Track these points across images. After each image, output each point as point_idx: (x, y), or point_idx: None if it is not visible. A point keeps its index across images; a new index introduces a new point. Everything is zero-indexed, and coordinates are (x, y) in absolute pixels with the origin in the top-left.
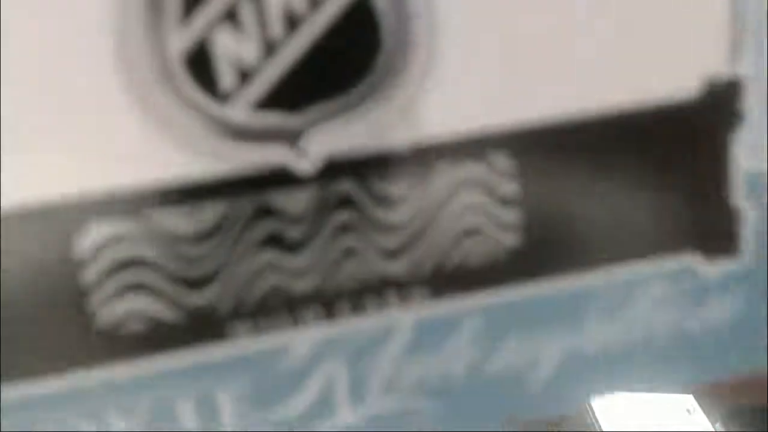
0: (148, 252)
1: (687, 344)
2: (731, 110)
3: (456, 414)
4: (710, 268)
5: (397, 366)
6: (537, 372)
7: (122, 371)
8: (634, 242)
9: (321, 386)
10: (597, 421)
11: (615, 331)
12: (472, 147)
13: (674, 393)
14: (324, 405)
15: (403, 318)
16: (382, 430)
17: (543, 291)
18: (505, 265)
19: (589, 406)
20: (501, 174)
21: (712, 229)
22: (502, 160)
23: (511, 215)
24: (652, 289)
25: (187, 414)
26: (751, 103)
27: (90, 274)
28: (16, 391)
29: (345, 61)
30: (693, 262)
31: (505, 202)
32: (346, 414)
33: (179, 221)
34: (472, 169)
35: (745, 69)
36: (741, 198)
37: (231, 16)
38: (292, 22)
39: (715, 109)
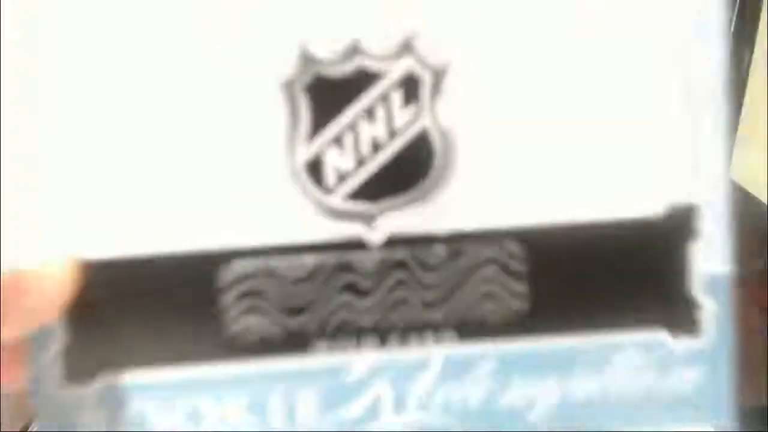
0: (265, 287)
1: (657, 402)
2: (691, 228)
3: None
4: (676, 344)
5: (429, 389)
6: (536, 409)
7: (238, 369)
8: (615, 316)
9: (373, 398)
10: None
11: (598, 385)
12: (491, 235)
13: None
14: (373, 412)
15: (436, 353)
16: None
17: (542, 346)
18: (514, 324)
19: None
20: (512, 256)
21: (677, 314)
22: (514, 246)
23: (520, 287)
24: (628, 354)
25: (274, 407)
26: (706, 221)
27: (226, 299)
28: (168, 373)
29: (408, 172)
30: (662, 337)
31: (515, 277)
32: (389, 421)
33: (287, 268)
34: (490, 251)
35: (702, 195)
36: (700, 292)
37: (337, 140)
38: (376, 146)
39: (678, 226)
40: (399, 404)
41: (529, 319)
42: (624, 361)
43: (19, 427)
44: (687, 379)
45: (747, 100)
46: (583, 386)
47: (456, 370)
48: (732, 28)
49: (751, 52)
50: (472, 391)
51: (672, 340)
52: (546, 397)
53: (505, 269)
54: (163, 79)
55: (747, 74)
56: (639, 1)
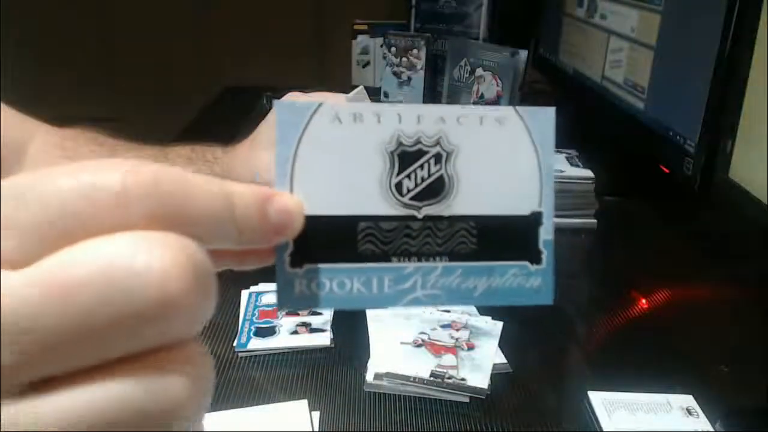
0: (375, 232)
1: (523, 291)
2: (539, 220)
3: (455, 300)
4: (532, 267)
5: (435, 280)
6: (476, 291)
7: (361, 265)
8: (511, 254)
9: (413, 281)
10: (597, 421)
11: (501, 282)
12: (464, 218)
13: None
14: (413, 288)
15: (439, 265)
16: (428, 302)
17: (481, 264)
18: (470, 255)
19: (589, 405)
20: (471, 227)
21: (534, 255)
22: (473, 222)
23: (473, 240)
24: (514, 269)
25: (374, 286)
26: (544, 217)
27: (359, 236)
28: (327, 267)
29: (435, 190)
30: (527, 263)
31: (471, 235)
32: (419, 293)
33: (384, 224)
34: (463, 224)
35: (542, 207)
36: (541, 246)
37: (408, 176)
38: (423, 179)
39: (534, 219)
40: (423, 286)
41: (475, 253)
42: (512, 272)
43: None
44: (534, 282)
45: (747, 100)
46: (496, 282)
47: (446, 272)
48: (732, 29)
49: (751, 52)
50: (451, 282)
51: (530, 265)
52: (480, 286)
53: (468, 232)
54: None
55: (747, 74)
56: None
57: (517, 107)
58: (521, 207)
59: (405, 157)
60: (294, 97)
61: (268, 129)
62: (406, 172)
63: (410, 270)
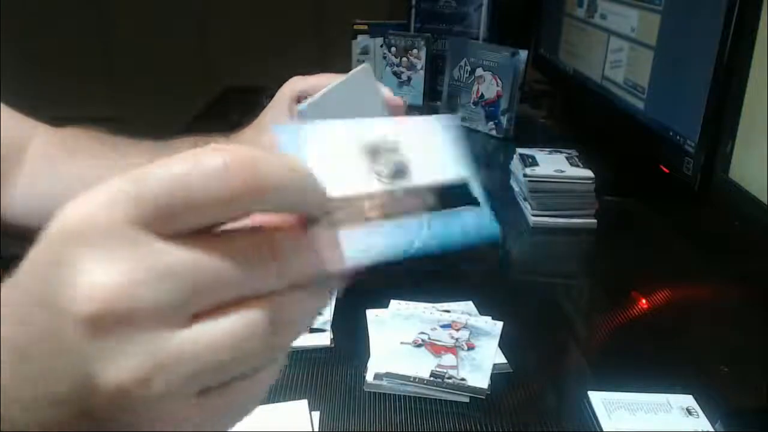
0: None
1: (474, 227)
2: (467, 180)
3: (436, 242)
4: (476, 208)
5: (417, 232)
6: (449, 233)
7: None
8: (462, 203)
9: (402, 236)
10: (597, 421)
11: (461, 223)
12: (423, 187)
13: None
14: (403, 242)
15: (426, 220)
16: (424, 251)
17: (445, 213)
18: (434, 208)
19: (589, 405)
20: (428, 198)
21: (472, 201)
22: (429, 195)
23: (432, 198)
24: (469, 213)
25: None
26: (470, 177)
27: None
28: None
29: (399, 171)
30: (474, 209)
31: (433, 195)
32: (418, 243)
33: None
34: (424, 190)
35: (467, 173)
36: (476, 194)
37: (381, 163)
38: (390, 165)
39: (465, 180)
40: (411, 237)
41: (438, 207)
42: (466, 214)
43: None
44: (483, 218)
45: (747, 100)
46: (458, 222)
47: (424, 224)
48: (732, 29)
49: (751, 52)
50: (430, 231)
51: (475, 207)
52: (450, 229)
53: (430, 194)
54: None
55: (747, 74)
56: None
57: (436, 116)
58: (455, 174)
59: (376, 151)
60: (297, 82)
61: (273, 113)
62: (380, 161)
63: (399, 228)
